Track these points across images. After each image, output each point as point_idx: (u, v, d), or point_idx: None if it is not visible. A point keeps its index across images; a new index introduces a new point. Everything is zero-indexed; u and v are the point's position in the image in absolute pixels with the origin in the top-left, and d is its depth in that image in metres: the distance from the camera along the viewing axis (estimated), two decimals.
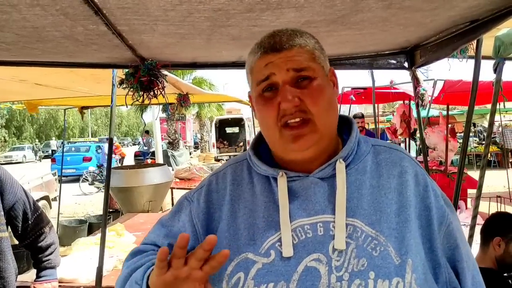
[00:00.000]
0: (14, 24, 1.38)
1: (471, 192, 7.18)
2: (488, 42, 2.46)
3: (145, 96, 2.50)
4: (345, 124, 1.04)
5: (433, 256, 0.92)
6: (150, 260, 0.97)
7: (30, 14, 1.28)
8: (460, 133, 16.41)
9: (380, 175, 0.96)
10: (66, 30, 1.49)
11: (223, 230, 0.96)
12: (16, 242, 2.57)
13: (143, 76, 2.41)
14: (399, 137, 11.16)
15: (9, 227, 2.41)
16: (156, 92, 2.50)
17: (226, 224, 0.96)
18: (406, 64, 2.74)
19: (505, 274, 2.47)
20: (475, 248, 2.61)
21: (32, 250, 2.50)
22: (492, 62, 2.54)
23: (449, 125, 8.20)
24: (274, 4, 1.26)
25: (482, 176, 2.55)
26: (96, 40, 1.68)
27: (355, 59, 2.68)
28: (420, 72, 3.03)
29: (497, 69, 2.52)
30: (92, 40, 1.67)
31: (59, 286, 2.86)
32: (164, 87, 2.49)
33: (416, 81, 3.08)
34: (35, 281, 2.52)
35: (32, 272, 3.19)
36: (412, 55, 2.64)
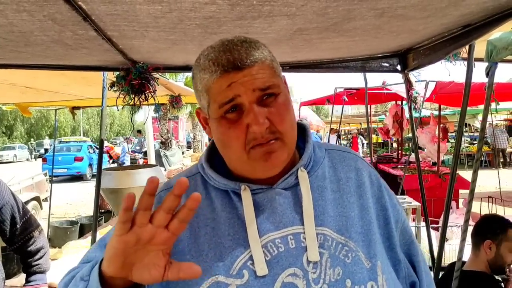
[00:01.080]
0: (1, 28, 1.36)
1: (463, 192, 7.25)
2: (480, 44, 2.47)
3: (136, 99, 2.48)
4: (299, 131, 0.98)
5: (393, 253, 0.93)
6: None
7: (17, 19, 1.25)
8: (451, 132, 16.57)
9: (339, 179, 0.95)
10: (55, 35, 1.46)
11: (183, 252, 0.88)
12: (5, 244, 2.54)
13: (134, 79, 2.39)
14: (392, 137, 11.25)
15: None
16: (147, 95, 2.49)
17: (186, 245, 0.88)
18: (399, 67, 2.75)
19: (498, 277, 2.49)
20: (468, 250, 2.61)
21: (21, 254, 2.48)
22: (484, 63, 2.55)
23: (441, 125, 8.26)
24: (266, 12, 1.24)
25: (474, 180, 2.55)
26: (86, 44, 1.66)
27: (348, 62, 2.68)
28: (412, 75, 3.04)
29: (489, 73, 2.52)
30: (81, 44, 1.64)
31: None
32: (155, 90, 2.48)
33: (409, 84, 3.08)
34: (24, 285, 2.49)
35: (22, 277, 3.16)
36: (405, 58, 2.65)
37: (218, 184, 0.93)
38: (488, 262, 2.51)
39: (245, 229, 0.87)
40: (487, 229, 2.57)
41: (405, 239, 0.99)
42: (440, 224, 4.79)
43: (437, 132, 7.98)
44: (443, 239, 2.75)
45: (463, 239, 2.59)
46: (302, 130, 1.01)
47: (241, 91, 0.82)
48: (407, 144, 13.79)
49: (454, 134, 18.32)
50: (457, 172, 2.83)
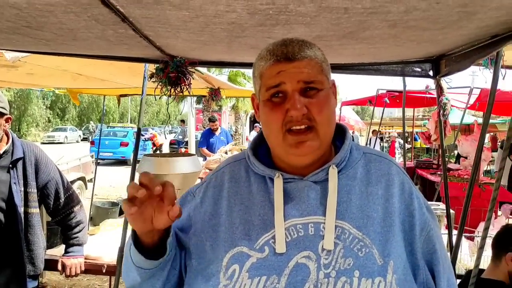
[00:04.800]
0: (52, 26, 1.54)
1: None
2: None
3: (172, 90, 2.64)
4: (338, 132, 1.11)
5: (413, 258, 0.99)
6: None
7: (65, 19, 1.43)
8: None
9: (369, 182, 1.03)
10: (98, 32, 1.63)
11: (220, 224, 1.02)
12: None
13: (172, 72, 2.54)
14: (433, 143, 10.95)
15: (42, 204, 2.61)
16: (182, 88, 2.64)
17: (223, 218, 1.02)
18: (431, 73, 2.75)
19: None
20: (486, 259, 2.60)
21: (62, 226, 2.70)
22: None
23: (491, 133, 7.96)
24: (283, 20, 1.35)
25: (496, 189, 2.55)
26: (126, 41, 1.82)
27: (379, 65, 2.70)
28: (444, 81, 3.02)
29: None
30: (122, 41, 1.81)
31: (85, 262, 3.06)
32: (190, 83, 2.62)
33: (440, 90, 3.07)
34: (63, 255, 2.71)
35: (61, 247, 3.41)
36: (438, 64, 2.64)
37: (257, 170, 1.06)
38: (509, 273, 2.49)
39: (273, 212, 0.98)
40: (510, 240, 2.54)
41: (428, 247, 1.03)
42: (476, 233, 4.71)
43: (484, 141, 7.70)
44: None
45: (481, 247, 2.59)
46: (342, 131, 1.11)
47: (287, 79, 0.96)
48: (449, 151, 13.35)
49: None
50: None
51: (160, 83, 2.61)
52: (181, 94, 2.63)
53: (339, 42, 1.67)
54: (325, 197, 0.99)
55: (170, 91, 2.60)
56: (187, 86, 2.63)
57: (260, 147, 1.12)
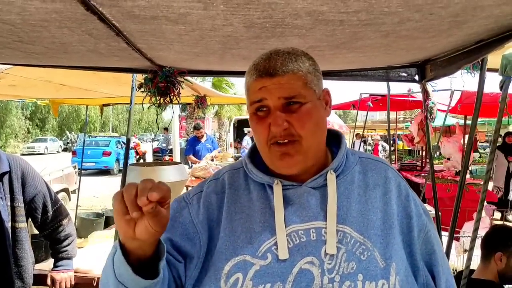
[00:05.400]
0: (44, 40, 1.52)
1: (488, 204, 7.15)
2: (496, 56, 2.50)
3: (161, 100, 2.64)
4: (334, 138, 1.12)
5: (412, 260, 1.01)
6: None
7: (58, 33, 1.41)
8: (482, 142, 16.13)
9: (367, 186, 1.04)
10: (91, 46, 1.62)
11: (219, 231, 1.01)
12: (36, 231, 2.70)
13: (161, 82, 2.54)
14: (416, 145, 11.13)
15: (29, 218, 2.55)
16: (172, 98, 2.64)
17: (223, 227, 1.01)
18: (416, 77, 2.79)
19: (506, 287, 2.51)
20: (476, 260, 2.65)
21: (50, 240, 2.63)
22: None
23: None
24: (278, 32, 1.36)
25: (484, 191, 2.61)
26: (117, 53, 1.81)
27: (366, 71, 2.74)
28: (430, 85, 3.08)
29: (503, 87, 2.56)
30: (114, 53, 1.80)
31: (75, 276, 3.01)
32: (180, 93, 2.62)
33: (426, 95, 3.13)
34: (52, 270, 2.65)
35: (50, 262, 3.34)
36: (423, 69, 2.68)
37: (256, 177, 1.06)
38: (498, 273, 2.53)
39: (274, 218, 0.98)
40: (499, 240, 2.58)
41: (427, 248, 1.04)
42: (461, 234, 4.79)
43: (462, 142, 7.87)
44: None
45: (471, 248, 2.64)
46: (337, 137, 1.13)
47: (268, 95, 0.97)
48: (433, 153, 13.53)
49: (485, 143, 17.82)
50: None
51: (149, 93, 2.60)
52: (170, 103, 2.62)
53: (332, 51, 1.70)
54: (324, 203, 0.99)
55: (160, 101, 2.60)
56: (176, 96, 2.63)
57: (257, 155, 1.11)
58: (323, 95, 1.05)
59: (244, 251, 0.97)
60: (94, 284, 3.02)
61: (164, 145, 18.32)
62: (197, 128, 8.24)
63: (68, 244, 2.64)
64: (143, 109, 3.00)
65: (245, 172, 1.10)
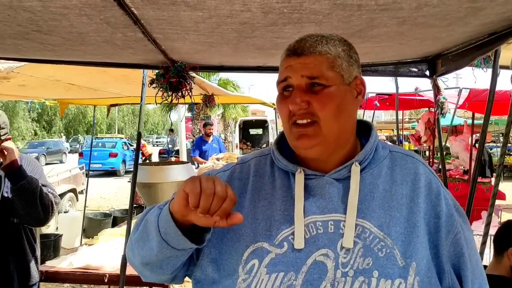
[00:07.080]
0: (62, 29, 1.54)
1: (497, 203, 7.09)
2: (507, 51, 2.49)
3: (173, 96, 2.65)
4: (364, 129, 1.09)
5: (438, 261, 0.97)
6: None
7: (77, 22, 1.43)
8: (488, 143, 16.03)
9: (394, 181, 1.01)
10: (107, 36, 1.64)
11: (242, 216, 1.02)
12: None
13: (173, 77, 2.55)
14: (423, 144, 11.09)
15: None
16: (183, 93, 2.65)
17: (246, 212, 0.99)
18: (427, 73, 2.78)
19: None
20: (488, 254, 2.64)
21: None
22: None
23: (477, 134, 8.08)
24: (295, 19, 1.37)
25: (496, 185, 2.60)
26: (132, 45, 1.83)
27: (377, 66, 2.74)
28: (441, 81, 3.07)
29: None
30: (129, 44, 1.81)
31: (86, 272, 3.03)
32: (192, 88, 2.63)
33: (437, 90, 3.12)
34: None
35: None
36: (434, 64, 2.67)
37: (280, 164, 1.06)
38: (510, 268, 2.52)
39: (294, 207, 0.98)
40: (511, 236, 2.58)
41: (455, 251, 0.99)
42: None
43: (470, 141, 7.84)
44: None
45: (483, 243, 2.63)
46: (368, 129, 1.09)
47: (292, 74, 0.98)
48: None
49: (491, 144, 17.69)
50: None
51: (161, 89, 2.61)
52: (182, 97, 2.63)
53: None
54: (346, 195, 0.98)
55: (172, 96, 2.61)
56: (188, 91, 2.64)
57: (286, 143, 1.09)
58: (356, 83, 1.02)
59: (262, 238, 0.97)
60: (106, 281, 3.04)
61: (170, 146, 18.37)
62: (209, 124, 8.24)
63: (43, 186, 2.32)
64: (156, 105, 2.99)
65: (272, 159, 1.10)
